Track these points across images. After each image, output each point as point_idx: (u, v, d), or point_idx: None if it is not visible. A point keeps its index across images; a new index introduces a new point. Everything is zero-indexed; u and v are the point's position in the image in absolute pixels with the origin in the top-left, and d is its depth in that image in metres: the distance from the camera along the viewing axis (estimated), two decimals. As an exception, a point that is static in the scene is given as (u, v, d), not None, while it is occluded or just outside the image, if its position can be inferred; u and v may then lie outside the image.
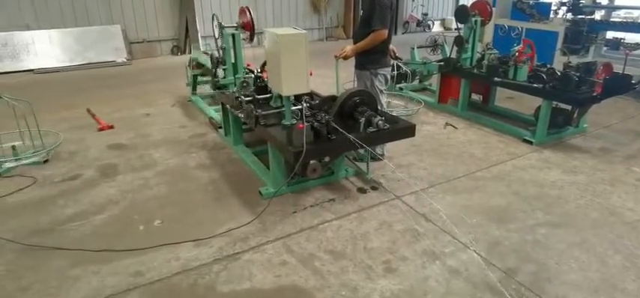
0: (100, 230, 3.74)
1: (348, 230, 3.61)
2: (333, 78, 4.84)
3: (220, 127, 5.77)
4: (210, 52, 5.82)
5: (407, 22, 17.58)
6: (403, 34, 17.40)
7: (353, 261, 3.21)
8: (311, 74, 3.83)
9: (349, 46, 4.54)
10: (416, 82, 8.09)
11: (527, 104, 6.63)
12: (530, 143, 5.45)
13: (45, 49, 11.19)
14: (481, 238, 3.47)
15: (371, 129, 3.79)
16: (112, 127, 6.33)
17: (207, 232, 3.60)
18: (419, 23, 17.80)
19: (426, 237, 3.50)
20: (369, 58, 4.52)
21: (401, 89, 7.55)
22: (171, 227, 3.75)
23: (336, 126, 3.58)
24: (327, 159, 4.17)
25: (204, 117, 6.68)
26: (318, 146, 3.60)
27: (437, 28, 18.56)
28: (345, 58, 4.54)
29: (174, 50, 12.98)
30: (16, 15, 10.89)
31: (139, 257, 3.31)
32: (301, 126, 3.59)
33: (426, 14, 18.04)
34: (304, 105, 4.07)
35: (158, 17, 12.72)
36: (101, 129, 6.25)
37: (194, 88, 7.58)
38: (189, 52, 11.07)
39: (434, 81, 7.64)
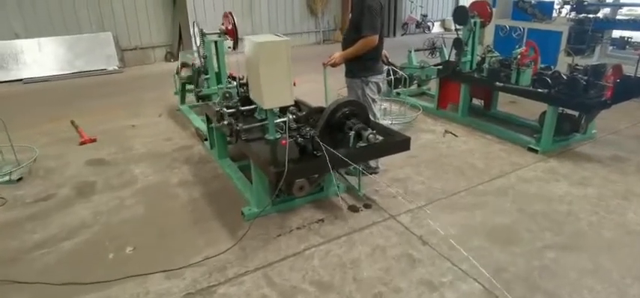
0: (66, 258, 3.43)
1: (336, 257, 3.27)
2: (330, 84, 4.52)
3: (206, 139, 5.45)
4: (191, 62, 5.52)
5: (406, 24, 17.24)
6: (402, 35, 17.08)
7: (341, 295, 2.88)
8: (294, 84, 3.51)
9: (338, 53, 4.21)
10: (414, 87, 7.77)
11: (530, 109, 6.27)
12: (536, 152, 5.10)
13: (34, 57, 10.92)
14: (483, 264, 3.13)
15: (361, 144, 3.46)
16: (94, 140, 6.03)
17: (182, 261, 3.28)
18: (418, 24, 17.47)
19: (423, 264, 3.16)
20: (360, 65, 4.19)
21: (398, 94, 7.22)
22: (144, 254, 3.43)
23: (321, 142, 3.24)
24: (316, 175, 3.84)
25: (192, 128, 6.36)
26: (302, 164, 3.27)
27: (437, 29, 18.23)
28: (334, 65, 4.21)
29: (167, 57, 12.69)
30: (4, 24, 10.61)
31: (105, 291, 3.01)
32: (284, 142, 3.27)
33: (425, 15, 17.71)
34: (290, 117, 3.74)
35: (151, 23, 12.43)
36: (83, 143, 5.95)
37: (183, 98, 7.26)
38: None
39: (433, 86, 7.30)
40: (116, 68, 11.64)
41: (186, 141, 5.87)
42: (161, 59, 12.77)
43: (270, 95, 3.34)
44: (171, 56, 12.66)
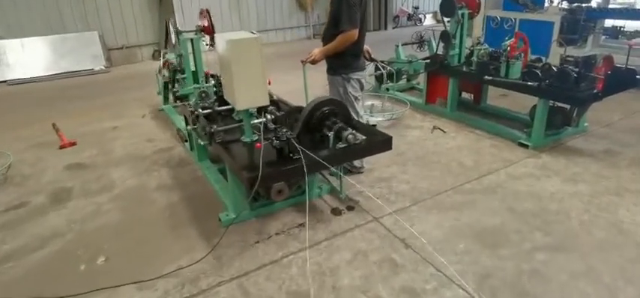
0: (35, 271, 3.27)
1: (316, 264, 3.12)
2: (317, 79, 4.34)
3: (186, 140, 5.28)
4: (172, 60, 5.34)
5: (397, 17, 17.06)
6: (394, 28, 16.90)
7: (318, 306, 2.73)
8: (269, 83, 3.34)
9: (317, 49, 4.04)
10: (403, 82, 7.62)
11: (522, 102, 6.12)
12: (526, 147, 4.95)
13: (18, 58, 10.71)
14: (469, 269, 2.99)
15: (341, 145, 3.29)
16: (74, 144, 5.85)
17: (155, 271, 3.12)
18: (410, 17, 17.29)
19: (406, 270, 3.01)
20: (341, 62, 4.02)
21: (387, 90, 7.06)
22: (116, 265, 3.27)
23: (297, 144, 3.07)
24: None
25: (174, 129, 6.19)
26: (278, 168, 3.10)
27: (429, 21, 18.04)
28: (313, 62, 4.04)
29: (155, 55, 12.48)
30: (-15, 25, 10.39)
31: (71, 306, 2.84)
32: (259, 144, 3.11)
33: (416, 8, 17.52)
34: (268, 117, 3.57)
35: (137, 22, 12.23)
36: (63, 147, 5.78)
37: (166, 97, 7.07)
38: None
39: (422, 80, 7.13)
40: (103, 68, 11.44)
41: (168, 143, 5.70)
42: (149, 57, 12.58)
43: (244, 95, 3.17)
44: (158, 54, 12.45)
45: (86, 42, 11.44)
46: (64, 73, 10.96)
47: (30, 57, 10.80)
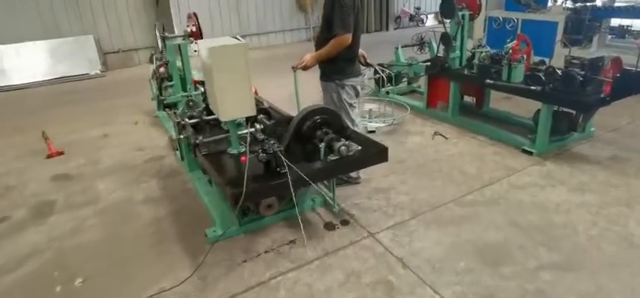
0: (8, 294, 3.08)
1: (305, 286, 2.92)
2: (312, 85, 4.13)
3: (177, 149, 5.09)
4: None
5: (399, 17, 16.83)
6: (395, 29, 16.68)
7: (306, 334, 2.53)
8: (256, 92, 3.15)
9: (309, 54, 3.84)
10: (404, 85, 7.41)
11: (525, 105, 5.88)
12: (530, 154, 4.72)
13: (13, 64, 10.53)
14: (470, 290, 2.78)
15: (333, 157, 3.09)
16: (62, 153, 5.67)
17: (136, 293, 2.94)
18: (412, 18, 17.04)
19: (401, 293, 2.80)
20: (334, 67, 3.82)
21: (387, 93, 6.84)
22: (94, 287, 3.08)
23: (284, 158, 2.87)
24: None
25: (167, 136, 5.99)
26: (264, 184, 2.90)
27: (431, 21, 17.78)
28: (305, 68, 3.84)
29: (151, 59, 12.29)
30: (-22, 31, 10.24)
31: (43, 334, 2.65)
32: (244, 158, 2.91)
33: (418, 8, 17.28)
34: (256, 127, 3.38)
35: (133, 25, 12.06)
36: (50, 156, 5.59)
37: (160, 103, 6.88)
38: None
39: (423, 83, 6.92)
40: (99, 72, 11.26)
41: (159, 151, 5.50)
42: (145, 61, 12.37)
43: (228, 106, 2.97)
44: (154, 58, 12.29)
45: (82, 46, 11.26)
46: (60, 77, 10.79)
47: (25, 62, 10.63)
